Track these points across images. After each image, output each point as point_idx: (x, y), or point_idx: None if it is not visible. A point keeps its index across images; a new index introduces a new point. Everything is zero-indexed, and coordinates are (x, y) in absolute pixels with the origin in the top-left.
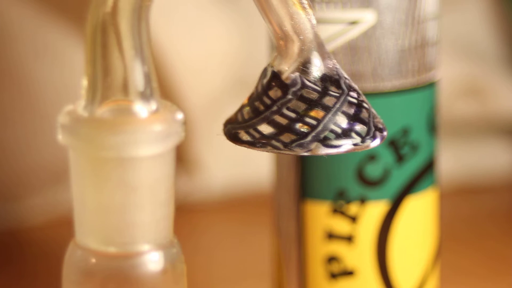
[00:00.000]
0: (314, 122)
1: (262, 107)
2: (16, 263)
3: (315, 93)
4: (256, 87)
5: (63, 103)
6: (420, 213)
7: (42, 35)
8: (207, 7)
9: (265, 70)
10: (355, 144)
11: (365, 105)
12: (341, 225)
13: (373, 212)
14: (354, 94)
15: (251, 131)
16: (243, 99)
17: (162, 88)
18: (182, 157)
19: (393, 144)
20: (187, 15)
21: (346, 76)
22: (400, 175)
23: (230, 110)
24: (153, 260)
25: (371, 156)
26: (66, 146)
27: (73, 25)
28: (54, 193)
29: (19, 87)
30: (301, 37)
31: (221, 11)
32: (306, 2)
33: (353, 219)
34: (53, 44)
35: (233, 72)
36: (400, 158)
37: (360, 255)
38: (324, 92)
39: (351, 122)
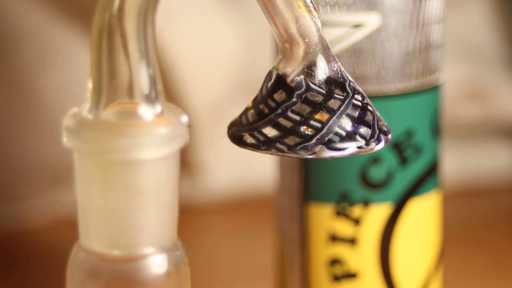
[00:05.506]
0: (318, 125)
1: (266, 110)
2: (18, 265)
3: (320, 96)
4: (261, 90)
5: (66, 106)
6: (423, 216)
7: (46, 37)
8: (211, 11)
9: (270, 73)
10: (359, 147)
11: (369, 108)
12: (344, 228)
13: (376, 215)
14: (358, 97)
15: (256, 133)
16: (247, 103)
17: (165, 91)
18: (185, 160)
19: (397, 147)
20: (191, 19)
21: (350, 79)
22: (404, 178)
23: (233, 113)
24: (157, 263)
25: (375, 159)
26: (70, 148)
27: (78, 27)
28: (58, 195)
29: (22, 89)
30: (306, 40)
31: (226, 15)
32: (311, 5)
33: (357, 221)
34: (56, 46)
35: (237, 75)
36: (403, 161)
37: (363, 258)
38: (328, 95)
39: (356, 125)
